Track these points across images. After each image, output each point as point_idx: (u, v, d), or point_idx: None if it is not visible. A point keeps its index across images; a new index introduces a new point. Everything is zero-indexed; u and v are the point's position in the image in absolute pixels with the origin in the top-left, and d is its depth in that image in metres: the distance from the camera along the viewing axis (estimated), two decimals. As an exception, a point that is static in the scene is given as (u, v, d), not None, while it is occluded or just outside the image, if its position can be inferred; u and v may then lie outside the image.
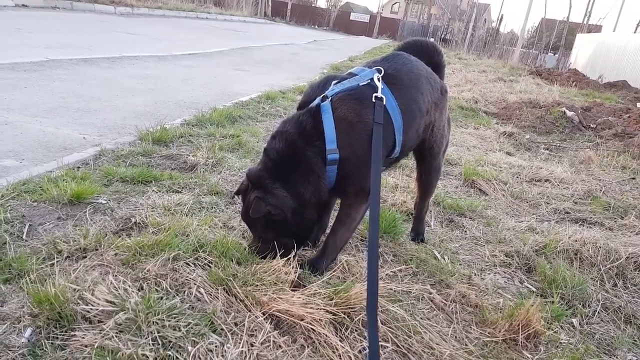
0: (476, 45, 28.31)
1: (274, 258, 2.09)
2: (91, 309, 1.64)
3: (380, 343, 1.78)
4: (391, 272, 2.32)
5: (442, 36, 35.31)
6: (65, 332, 1.58)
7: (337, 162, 2.05)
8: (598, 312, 2.32)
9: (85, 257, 1.98)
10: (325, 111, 2.04)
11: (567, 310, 2.27)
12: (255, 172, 2.09)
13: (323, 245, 2.28)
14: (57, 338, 1.55)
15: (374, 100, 2.06)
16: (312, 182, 2.06)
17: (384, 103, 2.08)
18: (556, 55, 26.04)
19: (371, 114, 2.05)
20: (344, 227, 2.23)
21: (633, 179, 4.70)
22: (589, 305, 2.35)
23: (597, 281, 2.58)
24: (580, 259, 2.74)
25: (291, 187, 2.04)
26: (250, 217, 2.05)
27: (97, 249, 2.02)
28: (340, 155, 2.04)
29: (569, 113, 7.39)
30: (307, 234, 2.27)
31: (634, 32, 22.00)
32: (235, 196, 2.36)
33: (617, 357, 2.04)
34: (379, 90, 2.09)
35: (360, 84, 2.12)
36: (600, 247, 2.78)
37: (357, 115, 2.06)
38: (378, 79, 2.13)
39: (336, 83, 2.15)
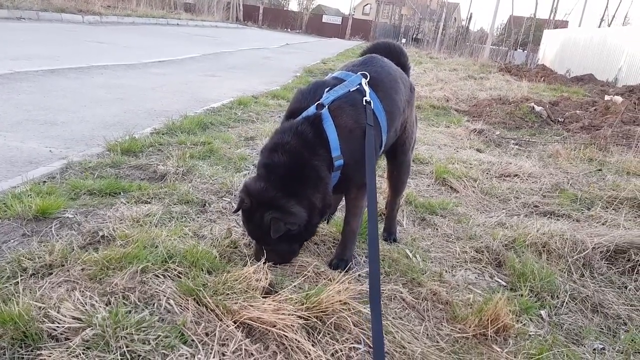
0: (447, 44, 28.71)
1: (281, 263, 2.26)
2: (57, 326, 1.62)
3: (353, 345, 1.81)
4: (364, 272, 2.33)
5: (414, 36, 35.71)
6: (31, 351, 1.55)
7: (341, 167, 2.15)
8: (566, 303, 2.37)
9: (51, 273, 1.94)
10: (326, 119, 2.11)
11: (536, 302, 2.32)
12: (261, 190, 2.08)
13: (342, 238, 2.43)
14: (23, 358, 1.52)
15: (364, 104, 2.17)
16: (321, 190, 2.14)
17: (372, 106, 2.19)
18: (525, 51, 26.57)
19: (365, 118, 2.15)
20: (355, 217, 2.38)
21: (599, 170, 4.82)
22: (557, 297, 2.40)
23: (564, 272, 2.64)
24: (548, 251, 2.80)
25: (304, 200, 2.10)
26: (265, 236, 2.09)
27: (63, 265, 1.99)
28: (344, 160, 2.14)
29: (538, 108, 7.55)
30: (312, 236, 2.38)
31: (598, 27, 22.58)
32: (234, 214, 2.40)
33: (584, 347, 2.09)
34: (367, 94, 2.18)
35: (351, 90, 2.20)
36: (567, 239, 2.84)
37: (356, 122, 2.16)
38: (365, 84, 2.23)
39: (328, 90, 2.21)
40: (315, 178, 2.11)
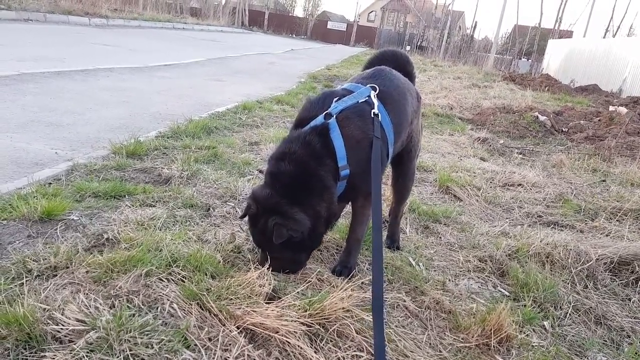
0: (451, 52, 28.75)
1: (287, 272, 2.23)
2: (61, 328, 1.62)
3: (355, 352, 1.80)
4: (367, 280, 2.33)
5: (418, 44, 35.80)
6: (35, 353, 1.55)
7: (348, 176, 2.16)
8: (569, 314, 2.36)
9: (56, 275, 1.94)
10: (333, 129, 2.13)
11: (539, 313, 2.31)
12: (267, 197, 2.10)
13: (346, 245, 2.43)
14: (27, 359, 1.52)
15: (372, 116, 2.19)
16: (326, 199, 2.15)
17: (380, 119, 2.20)
18: (529, 60, 26.61)
19: (372, 130, 2.17)
20: (361, 225, 2.39)
21: (603, 181, 4.81)
22: (560, 308, 2.39)
23: (568, 283, 2.63)
24: (551, 262, 2.79)
25: (309, 208, 2.11)
26: (268, 242, 2.09)
27: (68, 267, 1.99)
28: (350, 170, 2.15)
29: (542, 117, 7.55)
30: (318, 245, 2.38)
31: (603, 37, 22.61)
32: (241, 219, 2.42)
33: (587, 358, 2.09)
34: (375, 107, 2.21)
35: (359, 101, 2.23)
36: (571, 250, 2.84)
37: (363, 132, 2.18)
38: (374, 97, 2.25)
39: (337, 100, 2.22)
40: (321, 187, 2.13)
